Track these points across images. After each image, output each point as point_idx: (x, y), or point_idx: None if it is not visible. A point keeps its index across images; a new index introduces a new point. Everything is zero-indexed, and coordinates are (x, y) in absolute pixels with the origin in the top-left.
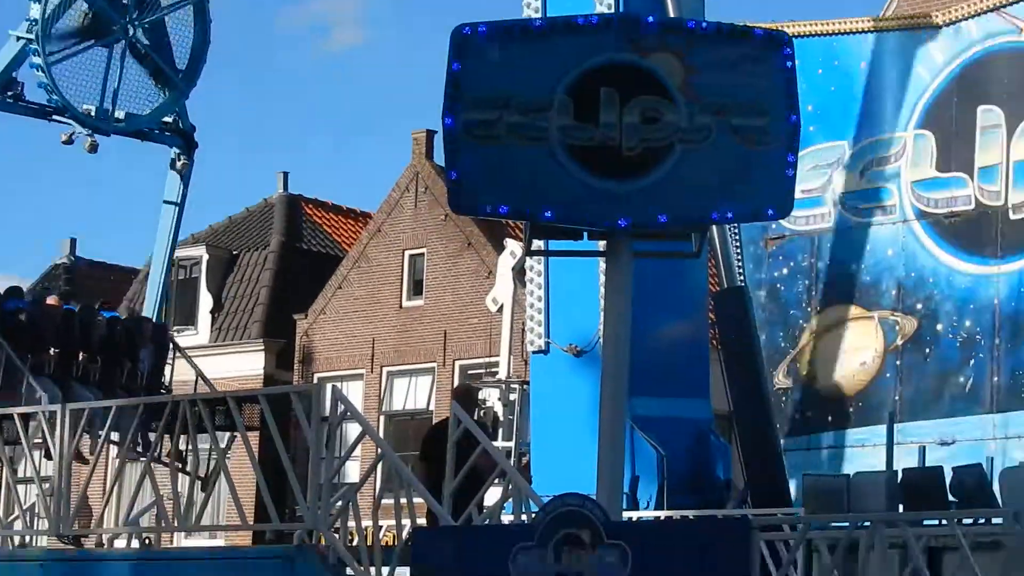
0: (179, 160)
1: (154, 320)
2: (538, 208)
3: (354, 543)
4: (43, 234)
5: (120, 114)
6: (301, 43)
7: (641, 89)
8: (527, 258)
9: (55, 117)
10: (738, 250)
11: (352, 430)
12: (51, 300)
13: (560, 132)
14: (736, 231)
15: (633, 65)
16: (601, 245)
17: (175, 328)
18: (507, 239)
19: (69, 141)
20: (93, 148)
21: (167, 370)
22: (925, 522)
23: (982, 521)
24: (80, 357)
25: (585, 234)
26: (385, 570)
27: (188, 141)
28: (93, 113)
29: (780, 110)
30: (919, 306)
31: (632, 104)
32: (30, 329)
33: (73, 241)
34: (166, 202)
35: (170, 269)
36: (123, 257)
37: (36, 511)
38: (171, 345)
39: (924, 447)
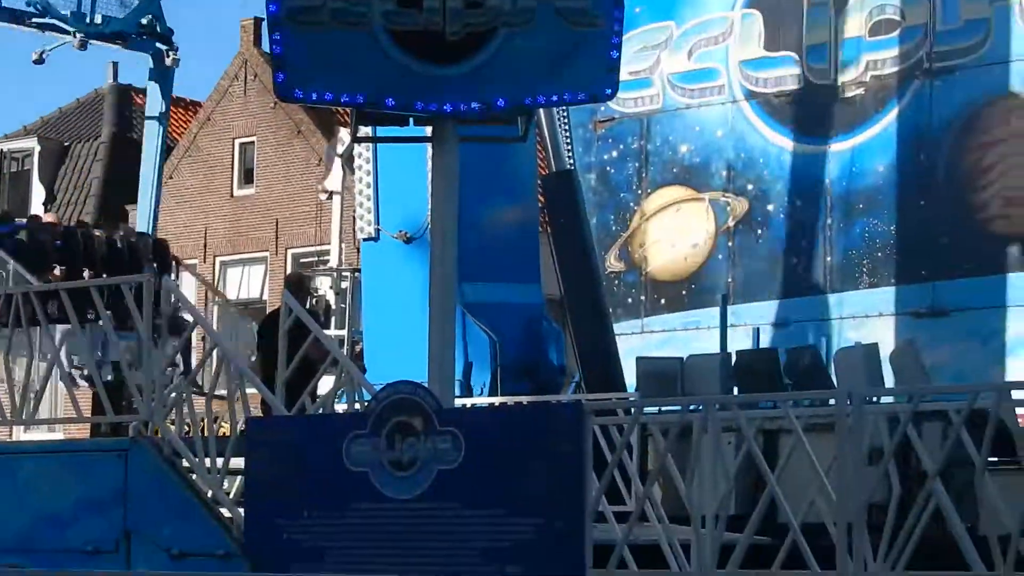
0: (168, 56)
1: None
2: (363, 94)
3: (189, 434)
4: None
5: (98, 18)
6: None
7: None
8: (355, 145)
9: (33, 20)
10: (567, 133)
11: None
12: (48, 217)
13: (383, 17)
14: (565, 114)
15: None
16: (428, 131)
17: None
18: (337, 126)
19: (40, 60)
20: (82, 45)
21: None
22: (761, 404)
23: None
24: (86, 275)
25: (411, 120)
26: (220, 460)
27: (167, 44)
28: (71, 15)
29: None
30: (750, 187)
31: None
32: (33, 249)
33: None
34: (148, 118)
35: (160, 186)
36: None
37: None
38: (173, 262)
39: (758, 329)
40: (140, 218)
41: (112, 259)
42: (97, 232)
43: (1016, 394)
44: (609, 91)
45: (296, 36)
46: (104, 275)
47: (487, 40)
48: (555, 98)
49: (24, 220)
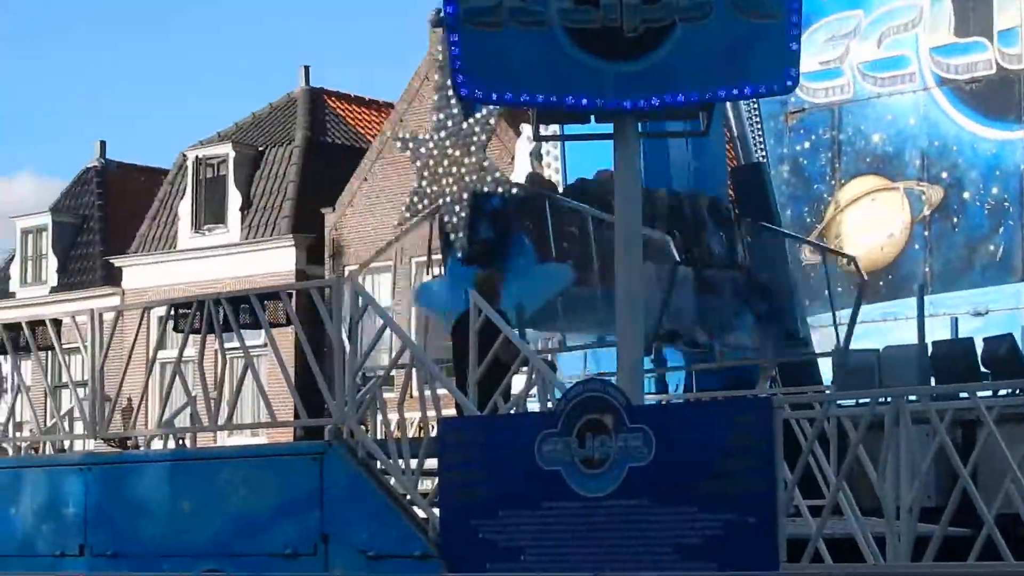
0: None
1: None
2: (542, 94)
3: (384, 437)
4: (75, 136)
5: None
6: None
7: None
8: (542, 143)
9: None
10: (759, 125)
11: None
12: None
13: (560, 15)
14: (756, 107)
15: None
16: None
17: (206, 226)
18: (523, 124)
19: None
20: None
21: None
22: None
23: (1014, 392)
24: None
25: (592, 117)
26: (414, 461)
27: None
28: None
29: None
30: (944, 175)
31: None
32: None
33: (103, 143)
34: None
35: None
36: (151, 158)
37: (74, 415)
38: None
39: (956, 318)
40: None
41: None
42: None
43: None
44: (790, 83)
45: (474, 37)
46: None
47: (665, 35)
48: (735, 92)
49: None
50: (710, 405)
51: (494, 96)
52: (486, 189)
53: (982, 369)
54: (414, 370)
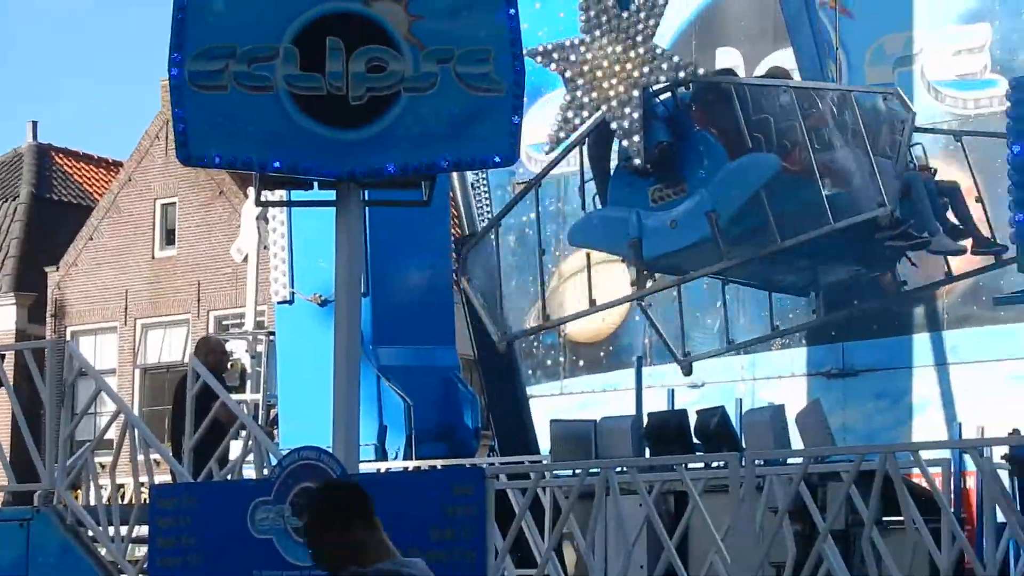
0: None
1: None
2: (266, 158)
3: (95, 503)
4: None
5: None
6: None
7: (366, 38)
8: (267, 208)
9: None
10: (487, 195)
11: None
12: None
13: (286, 81)
14: (484, 177)
15: (358, 14)
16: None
17: None
18: (251, 187)
19: None
20: None
21: None
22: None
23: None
24: None
25: (316, 183)
26: (124, 528)
27: None
28: None
29: (504, 57)
30: None
31: (358, 53)
32: None
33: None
34: None
35: None
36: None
37: None
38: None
39: (673, 390)
40: None
41: None
42: None
43: (925, 453)
44: (511, 155)
45: (199, 99)
46: None
47: (389, 105)
48: (456, 162)
49: None
50: (425, 473)
51: (219, 159)
52: (664, 80)
53: (695, 440)
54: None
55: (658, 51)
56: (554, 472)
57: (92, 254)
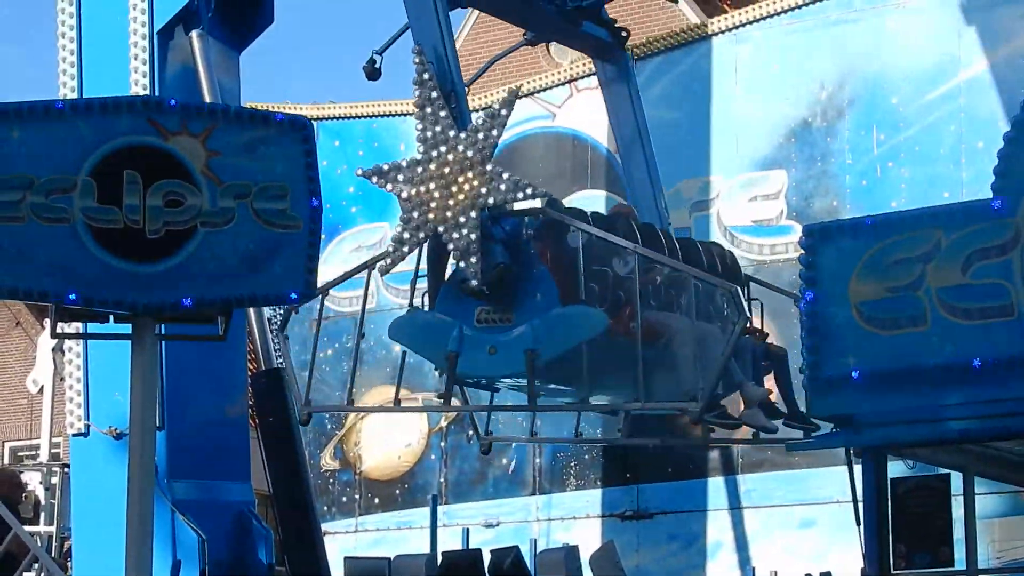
0: None
1: None
2: (62, 289)
3: None
4: None
5: None
6: None
7: (164, 172)
8: (64, 339)
9: None
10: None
11: None
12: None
13: (84, 214)
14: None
15: (156, 148)
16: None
17: None
18: (47, 319)
19: None
20: None
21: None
22: None
23: None
24: None
25: (111, 317)
26: None
27: None
28: None
29: (301, 193)
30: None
31: (156, 187)
32: None
33: None
34: None
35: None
36: None
37: None
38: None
39: (468, 529)
40: None
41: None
42: None
43: None
44: (306, 293)
45: None
46: None
47: (186, 239)
48: (252, 298)
49: None
50: None
51: (14, 290)
52: (500, 200)
53: None
54: None
55: (497, 171)
56: None
57: None
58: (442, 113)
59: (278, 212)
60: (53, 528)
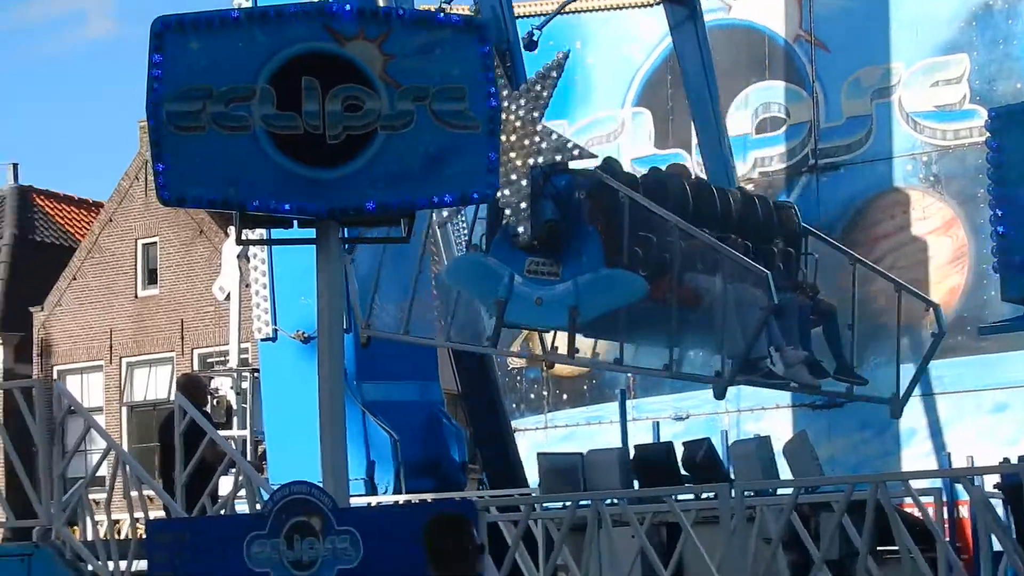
0: None
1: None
2: (245, 197)
3: (92, 538)
4: None
5: None
6: (43, 33)
7: (342, 77)
8: (248, 246)
9: None
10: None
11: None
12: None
13: (263, 121)
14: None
15: (333, 54)
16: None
17: None
18: (231, 226)
19: None
20: None
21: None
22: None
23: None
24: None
25: (296, 222)
26: (123, 563)
27: None
28: None
29: (479, 93)
30: None
31: (334, 92)
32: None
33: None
34: None
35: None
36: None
37: None
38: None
39: (658, 423)
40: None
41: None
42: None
43: (916, 483)
44: (489, 191)
45: (177, 140)
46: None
47: (366, 143)
48: (434, 199)
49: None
50: (417, 507)
51: (198, 200)
52: (548, 159)
53: (683, 472)
54: (120, 472)
55: (546, 131)
56: (544, 504)
57: (76, 294)
58: (496, 71)
59: (456, 113)
60: (247, 432)
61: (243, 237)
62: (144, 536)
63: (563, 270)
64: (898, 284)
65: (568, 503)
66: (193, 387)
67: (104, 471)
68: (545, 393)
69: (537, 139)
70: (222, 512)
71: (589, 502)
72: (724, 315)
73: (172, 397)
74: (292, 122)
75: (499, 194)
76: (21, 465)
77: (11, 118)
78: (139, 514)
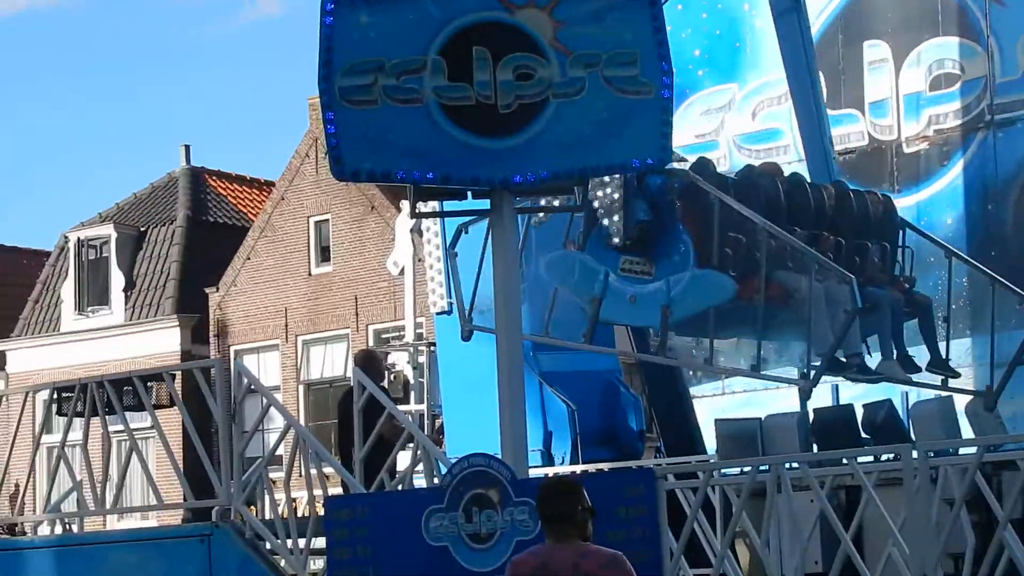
0: None
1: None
2: (419, 170)
3: (271, 517)
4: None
5: None
6: (211, 15)
7: (513, 46)
8: (422, 219)
9: None
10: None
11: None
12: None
13: (435, 93)
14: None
15: (503, 23)
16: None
17: (90, 308)
18: (403, 200)
19: None
20: None
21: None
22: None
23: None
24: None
25: (469, 193)
26: (302, 541)
27: None
28: None
29: (651, 58)
30: None
31: (505, 61)
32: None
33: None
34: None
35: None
36: (32, 240)
37: None
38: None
39: (837, 386)
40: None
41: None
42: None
43: None
44: (663, 157)
45: (349, 114)
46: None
47: (538, 112)
48: (607, 166)
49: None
50: (594, 476)
51: (372, 173)
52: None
53: (863, 435)
54: (299, 449)
55: None
56: (722, 471)
57: (250, 274)
58: None
59: (629, 79)
60: (424, 406)
61: (416, 211)
62: (322, 513)
63: (656, 269)
64: (992, 278)
65: (747, 469)
66: (371, 363)
67: (281, 450)
68: (723, 359)
69: None
70: (400, 487)
71: (768, 467)
72: (812, 314)
73: (348, 374)
74: (464, 93)
75: (592, 194)
76: (201, 445)
77: (182, 100)
78: (318, 491)
